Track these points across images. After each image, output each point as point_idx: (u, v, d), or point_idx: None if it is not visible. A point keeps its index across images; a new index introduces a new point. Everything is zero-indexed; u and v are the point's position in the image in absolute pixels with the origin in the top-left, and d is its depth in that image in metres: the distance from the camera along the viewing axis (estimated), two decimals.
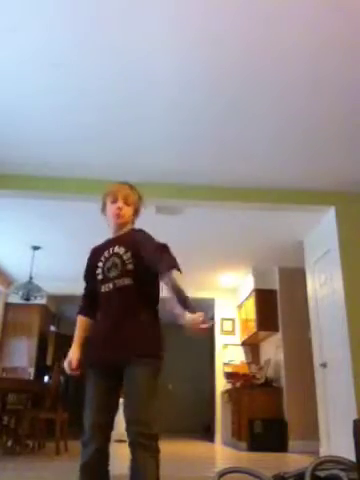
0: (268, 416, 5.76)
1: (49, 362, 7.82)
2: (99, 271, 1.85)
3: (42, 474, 3.29)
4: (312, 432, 4.86)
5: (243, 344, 7.22)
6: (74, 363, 1.83)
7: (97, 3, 2.43)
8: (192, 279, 6.89)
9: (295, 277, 5.83)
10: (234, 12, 2.46)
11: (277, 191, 4.41)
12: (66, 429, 4.89)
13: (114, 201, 1.91)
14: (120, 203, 1.90)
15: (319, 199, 4.42)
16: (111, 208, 1.91)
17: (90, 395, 1.74)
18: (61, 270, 6.64)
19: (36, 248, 5.81)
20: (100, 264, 1.85)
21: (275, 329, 6.17)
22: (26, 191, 4.25)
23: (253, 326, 6.40)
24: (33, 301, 6.29)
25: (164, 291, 1.77)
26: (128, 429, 1.65)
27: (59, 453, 4.44)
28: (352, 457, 1.81)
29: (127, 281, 1.78)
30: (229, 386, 6.61)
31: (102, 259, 1.86)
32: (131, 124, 3.47)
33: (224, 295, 7.49)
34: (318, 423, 4.55)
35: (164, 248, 1.73)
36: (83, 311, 1.93)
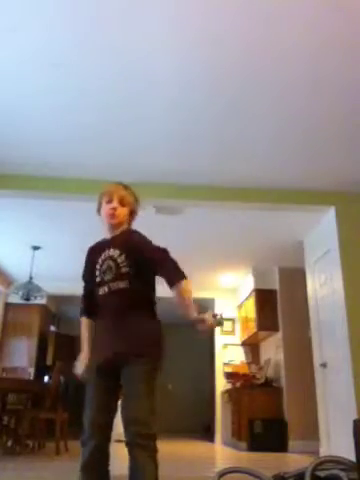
0: (268, 416, 5.76)
1: (49, 362, 7.81)
2: (97, 273, 1.85)
3: (42, 474, 3.29)
4: (312, 432, 4.86)
5: (243, 344, 7.22)
6: (88, 364, 1.84)
7: (97, 3, 2.43)
8: (192, 279, 6.85)
9: (295, 277, 5.83)
10: (234, 12, 2.46)
11: (277, 191, 4.41)
12: (66, 429, 4.89)
13: (109, 201, 1.91)
14: (115, 203, 1.90)
15: (319, 199, 4.42)
16: (106, 208, 1.91)
17: (90, 395, 1.75)
18: (61, 270, 6.64)
19: (36, 248, 5.80)
20: (97, 266, 1.86)
21: (275, 329, 6.17)
22: (26, 191, 4.25)
23: (253, 326, 6.40)
24: (33, 301, 6.29)
25: (170, 294, 1.84)
26: (126, 429, 1.65)
27: (59, 453, 4.44)
28: (352, 457, 1.81)
29: (122, 284, 1.79)
30: (229, 386, 6.61)
31: (99, 261, 1.86)
32: (131, 124, 3.47)
33: (224, 295, 7.49)
34: (318, 423, 4.55)
35: (165, 254, 1.77)
36: (86, 313, 1.94)
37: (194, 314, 1.77)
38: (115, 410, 1.78)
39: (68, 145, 3.77)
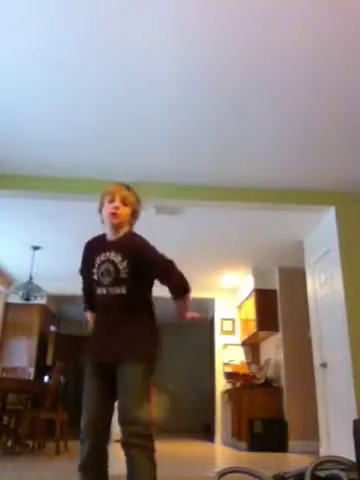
0: (268, 416, 5.76)
1: (49, 362, 7.82)
2: (94, 271, 1.85)
3: (42, 474, 3.30)
4: (312, 432, 4.86)
5: (243, 344, 7.22)
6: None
7: (97, 3, 2.43)
8: (192, 279, 6.82)
9: (295, 277, 5.83)
10: (234, 12, 2.46)
11: (277, 191, 4.41)
12: (66, 429, 4.89)
13: (111, 201, 1.89)
14: (117, 203, 1.88)
15: (319, 199, 4.42)
16: (108, 208, 1.89)
17: (86, 394, 1.76)
18: (61, 270, 6.64)
19: (36, 248, 5.80)
20: (95, 264, 1.85)
21: (275, 329, 6.17)
22: (26, 191, 4.25)
23: (253, 326, 6.40)
24: (33, 301, 6.29)
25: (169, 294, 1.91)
26: (122, 429, 1.65)
27: (59, 453, 4.44)
28: (352, 457, 1.81)
29: (120, 290, 1.80)
30: (229, 386, 6.60)
31: (97, 260, 1.85)
32: (131, 124, 3.47)
33: (224, 295, 7.48)
34: (318, 423, 4.55)
35: (172, 266, 1.83)
36: (90, 307, 1.97)
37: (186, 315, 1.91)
38: (112, 410, 1.78)
39: (68, 145, 3.77)
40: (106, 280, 1.81)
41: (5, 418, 4.91)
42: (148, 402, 1.71)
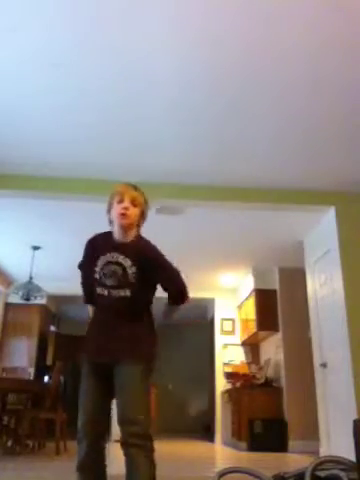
0: (268, 416, 5.76)
1: (49, 362, 7.82)
2: (97, 270, 1.83)
3: (42, 474, 3.30)
4: (312, 432, 4.86)
5: (243, 344, 7.22)
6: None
7: (97, 3, 2.43)
8: (192, 279, 6.86)
9: (295, 277, 5.83)
10: (234, 12, 2.46)
11: (277, 191, 4.41)
12: (66, 429, 4.89)
13: (120, 201, 1.87)
14: (126, 203, 1.85)
15: (319, 199, 4.42)
16: (117, 208, 1.86)
17: (83, 393, 1.76)
18: (61, 270, 6.63)
19: (36, 248, 5.80)
20: (99, 263, 1.83)
21: (275, 329, 6.17)
22: (26, 191, 4.25)
23: (253, 326, 6.40)
24: (33, 301, 6.29)
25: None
26: (122, 429, 1.65)
27: (59, 453, 4.45)
28: (352, 457, 1.80)
29: (124, 293, 1.80)
30: (229, 386, 6.60)
31: (102, 259, 1.83)
32: (131, 124, 3.47)
33: (224, 295, 7.49)
34: (318, 423, 4.55)
35: (179, 275, 1.87)
36: (90, 300, 1.96)
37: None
38: (109, 409, 1.79)
39: (68, 145, 3.77)
40: (111, 282, 1.80)
41: (5, 418, 4.91)
42: (147, 402, 1.72)
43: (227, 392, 6.63)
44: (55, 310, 8.58)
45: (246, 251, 5.88)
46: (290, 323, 6.01)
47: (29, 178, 4.21)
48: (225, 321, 7.45)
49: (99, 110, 3.32)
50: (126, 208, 1.84)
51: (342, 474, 1.72)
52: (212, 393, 7.51)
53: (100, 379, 1.75)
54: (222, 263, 6.36)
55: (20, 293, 6.10)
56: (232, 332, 7.37)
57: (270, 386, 6.09)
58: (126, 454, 1.63)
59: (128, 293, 1.79)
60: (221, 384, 7.05)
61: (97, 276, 1.83)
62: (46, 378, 6.60)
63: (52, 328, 8.49)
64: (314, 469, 1.77)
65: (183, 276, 1.88)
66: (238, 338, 7.28)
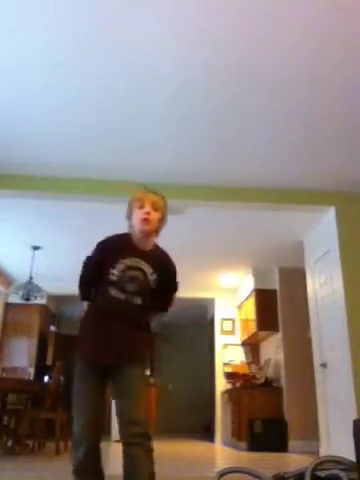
0: (268, 416, 5.76)
1: (49, 362, 7.82)
2: (115, 272, 1.80)
3: (42, 474, 3.30)
4: (312, 432, 4.86)
5: (243, 344, 7.22)
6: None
7: (97, 3, 2.43)
8: (192, 279, 6.89)
9: (295, 277, 5.83)
10: (234, 12, 2.46)
11: (277, 191, 4.41)
12: (66, 429, 4.89)
13: (141, 207, 1.86)
14: (148, 208, 1.85)
15: (319, 199, 4.42)
16: (139, 214, 1.85)
17: (81, 396, 1.73)
18: (61, 270, 6.63)
19: (36, 248, 5.80)
20: (119, 266, 1.80)
21: (275, 329, 6.17)
22: (26, 191, 4.25)
23: (253, 326, 6.40)
24: (33, 301, 6.29)
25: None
26: (125, 429, 1.66)
27: (59, 453, 4.45)
28: (352, 457, 1.81)
29: (140, 300, 1.83)
30: (229, 386, 6.61)
31: (123, 262, 1.80)
32: (131, 124, 3.47)
33: (224, 295, 7.49)
34: (318, 423, 4.55)
35: (177, 289, 1.96)
36: (89, 297, 1.92)
37: None
38: (104, 411, 1.81)
39: (68, 145, 3.77)
40: (131, 287, 1.80)
41: (5, 418, 4.91)
42: (147, 402, 1.76)
43: (227, 392, 6.63)
44: (55, 310, 8.58)
45: (246, 251, 5.88)
46: (290, 323, 6.01)
47: (29, 178, 4.21)
48: (225, 321, 7.45)
49: (99, 110, 3.32)
50: (148, 213, 1.84)
51: (342, 474, 1.72)
52: (212, 393, 7.51)
53: (98, 380, 1.75)
54: (222, 263, 6.36)
55: (20, 293, 6.10)
56: (232, 332, 7.37)
57: (270, 386, 6.09)
58: (128, 453, 1.64)
59: (140, 301, 1.82)
60: (221, 384, 7.05)
61: (114, 278, 1.79)
62: (46, 378, 6.60)
63: (52, 328, 8.50)
64: (314, 469, 1.77)
65: None
66: (238, 338, 7.28)
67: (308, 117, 3.35)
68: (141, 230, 1.85)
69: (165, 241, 2.01)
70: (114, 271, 1.79)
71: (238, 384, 6.27)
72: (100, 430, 1.76)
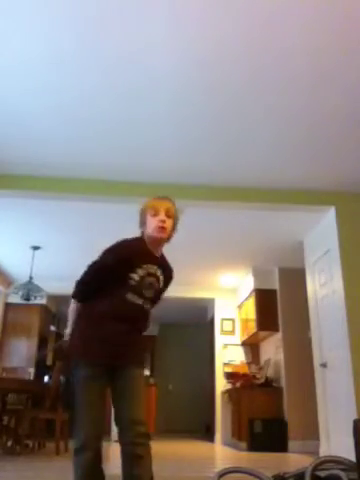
0: (268, 416, 5.76)
1: (49, 362, 7.81)
2: (135, 277, 1.79)
3: (42, 474, 3.30)
4: (312, 432, 4.86)
5: (243, 344, 7.22)
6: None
7: (97, 3, 2.43)
8: (192, 279, 6.89)
9: (295, 277, 5.84)
10: (235, 12, 2.46)
11: (277, 191, 4.41)
12: (66, 429, 4.89)
13: (155, 214, 1.85)
14: (162, 216, 1.85)
15: (319, 199, 4.42)
16: (154, 221, 1.84)
17: (87, 403, 1.70)
18: (61, 270, 6.64)
19: (36, 248, 5.81)
20: (139, 272, 1.80)
21: (275, 329, 6.17)
22: (26, 191, 4.25)
23: (253, 326, 6.40)
24: (33, 301, 6.30)
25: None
26: (129, 428, 1.68)
27: (59, 453, 4.44)
28: (352, 457, 1.81)
29: (150, 306, 1.89)
30: (229, 386, 6.60)
31: (142, 268, 1.81)
32: (131, 124, 3.47)
33: (224, 295, 7.49)
34: (318, 423, 4.55)
35: None
36: (84, 299, 1.86)
37: None
38: (105, 412, 1.83)
39: (68, 144, 3.77)
40: (148, 293, 1.83)
41: (5, 418, 4.90)
42: (145, 403, 1.79)
43: (227, 392, 6.63)
44: (55, 310, 8.58)
45: (246, 251, 5.88)
46: (290, 323, 6.01)
47: (29, 178, 4.22)
48: (225, 321, 7.45)
49: (99, 110, 3.32)
50: (164, 221, 1.84)
51: (342, 474, 1.72)
52: (212, 393, 7.51)
53: (104, 383, 1.74)
54: (222, 263, 6.36)
55: (20, 293, 6.10)
56: (232, 332, 7.37)
57: (270, 386, 6.09)
58: (132, 454, 1.66)
59: (149, 306, 1.88)
60: (221, 384, 7.05)
61: (134, 283, 1.79)
62: (46, 378, 6.60)
63: (52, 328, 8.49)
64: (314, 469, 1.77)
65: None
66: (238, 338, 7.28)
67: (309, 117, 3.35)
68: (157, 238, 1.85)
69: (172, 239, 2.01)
70: (134, 276, 1.79)
71: (238, 384, 6.27)
72: (103, 434, 1.78)
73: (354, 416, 3.62)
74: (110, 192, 4.28)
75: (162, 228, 1.83)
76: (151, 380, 7.76)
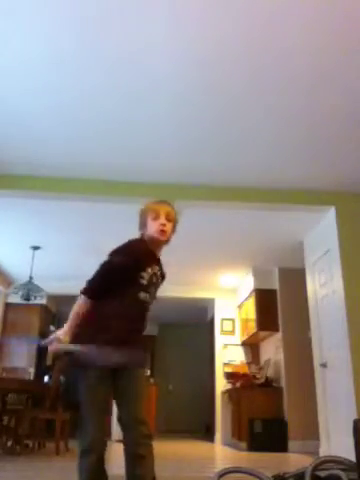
0: (268, 416, 5.76)
1: (49, 362, 7.81)
2: (145, 276, 1.84)
3: (42, 474, 3.29)
4: (312, 432, 4.86)
5: (243, 344, 7.22)
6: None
7: (97, 3, 2.43)
8: (192, 279, 6.89)
9: (295, 277, 5.83)
10: (235, 13, 2.46)
11: (277, 191, 4.41)
12: (67, 429, 4.89)
13: (156, 218, 1.90)
14: (163, 220, 1.90)
15: (319, 199, 4.42)
16: (154, 225, 1.89)
17: (94, 406, 1.70)
18: (61, 270, 6.64)
19: (36, 248, 5.80)
20: (148, 270, 1.85)
21: (275, 329, 6.17)
22: (26, 191, 4.25)
23: (253, 326, 6.40)
24: (33, 301, 6.30)
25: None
26: (134, 429, 1.70)
27: (59, 453, 4.44)
28: (352, 457, 1.81)
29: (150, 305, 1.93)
30: (229, 386, 6.60)
31: (149, 268, 1.86)
32: (131, 124, 3.47)
33: (224, 295, 7.48)
34: (318, 423, 4.55)
35: None
36: (98, 297, 1.81)
37: None
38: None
39: (68, 144, 3.77)
40: (153, 293, 1.91)
41: (5, 418, 4.90)
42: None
43: (227, 392, 6.63)
44: (55, 310, 8.58)
45: (246, 251, 5.88)
46: (290, 323, 6.01)
47: (29, 178, 4.22)
48: (225, 321, 7.45)
49: (100, 110, 3.32)
50: (164, 225, 1.89)
51: (342, 474, 1.72)
52: (212, 393, 7.51)
53: (110, 384, 1.74)
54: (222, 263, 6.36)
55: (20, 293, 6.10)
56: (232, 332, 7.37)
57: (270, 386, 6.09)
58: (136, 454, 1.67)
59: (151, 305, 1.92)
60: (221, 384, 7.05)
61: (145, 282, 1.84)
62: (46, 378, 6.60)
63: (52, 328, 8.49)
64: (314, 469, 1.77)
65: None
66: (238, 338, 7.28)
67: (309, 117, 3.35)
68: (158, 240, 1.91)
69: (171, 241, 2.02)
70: (145, 275, 1.84)
71: (238, 384, 6.27)
72: (106, 435, 1.82)
73: (354, 416, 3.62)
74: (110, 192, 4.28)
75: (163, 231, 1.89)
76: (151, 380, 7.76)
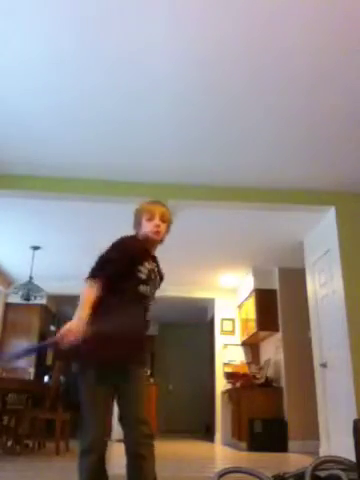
0: (268, 416, 5.76)
1: (49, 362, 7.81)
2: (143, 270, 1.85)
3: (42, 474, 3.29)
4: (312, 432, 4.86)
5: (243, 344, 7.22)
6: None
7: (97, 3, 2.43)
8: (192, 279, 6.89)
9: (295, 277, 5.83)
10: (235, 13, 2.46)
11: (277, 191, 4.41)
12: (67, 429, 4.89)
13: (151, 219, 1.93)
14: (158, 220, 1.93)
15: (319, 199, 4.42)
16: (149, 225, 1.92)
17: (95, 405, 1.70)
18: (61, 270, 6.64)
19: (36, 248, 5.81)
20: (147, 265, 1.88)
21: (275, 329, 6.17)
22: (25, 191, 4.25)
23: (253, 326, 6.40)
24: (33, 301, 6.30)
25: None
26: (136, 428, 1.70)
27: (59, 453, 4.44)
28: (352, 457, 1.81)
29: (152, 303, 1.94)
30: (229, 386, 6.60)
31: (146, 264, 1.88)
32: (131, 124, 3.47)
33: (224, 295, 7.49)
34: (318, 423, 4.55)
35: None
36: (99, 275, 1.78)
37: None
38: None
39: (68, 144, 3.77)
40: (152, 289, 1.91)
41: (5, 418, 4.90)
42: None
43: (227, 392, 6.63)
44: (55, 310, 8.58)
45: (246, 251, 5.88)
46: (290, 323, 6.01)
47: (29, 178, 4.22)
48: (225, 321, 7.45)
49: (100, 110, 3.32)
50: (158, 226, 1.93)
51: (342, 474, 1.72)
52: (212, 393, 7.51)
53: (109, 385, 1.73)
54: (222, 263, 6.36)
55: (20, 293, 6.10)
56: (232, 332, 7.37)
57: (270, 386, 6.09)
58: (139, 454, 1.67)
59: (151, 304, 1.92)
60: (221, 384, 7.05)
61: (144, 276, 1.85)
62: (46, 378, 6.60)
63: (52, 328, 8.49)
64: (314, 469, 1.77)
65: None
66: (238, 338, 7.28)
67: (309, 117, 3.35)
68: (152, 240, 1.94)
69: (165, 241, 2.02)
70: (142, 268, 1.86)
71: (238, 384, 6.27)
72: (106, 435, 1.81)
73: (354, 416, 3.62)
74: (110, 192, 4.28)
75: (157, 232, 1.92)
76: (151, 380, 7.76)
